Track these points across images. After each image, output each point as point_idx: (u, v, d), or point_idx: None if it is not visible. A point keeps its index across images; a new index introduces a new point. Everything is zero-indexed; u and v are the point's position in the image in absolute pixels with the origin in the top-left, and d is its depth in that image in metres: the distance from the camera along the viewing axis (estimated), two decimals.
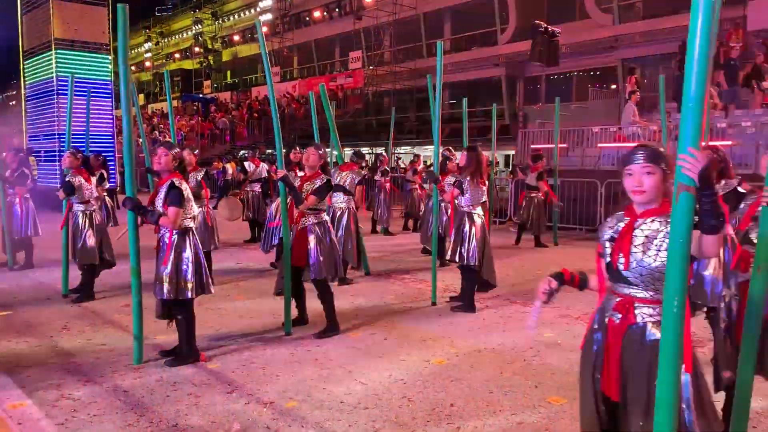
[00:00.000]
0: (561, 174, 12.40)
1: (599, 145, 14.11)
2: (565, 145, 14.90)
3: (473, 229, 6.19)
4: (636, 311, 2.31)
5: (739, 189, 3.67)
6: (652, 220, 2.32)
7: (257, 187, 10.72)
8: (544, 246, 11.10)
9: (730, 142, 11.61)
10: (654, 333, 2.26)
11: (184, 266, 4.51)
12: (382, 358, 4.83)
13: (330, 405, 3.91)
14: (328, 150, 8.24)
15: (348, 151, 12.32)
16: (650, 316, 2.29)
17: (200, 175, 6.91)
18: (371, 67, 31.16)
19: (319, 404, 3.92)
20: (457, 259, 6.28)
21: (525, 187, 11.39)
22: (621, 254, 2.33)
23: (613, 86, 22.75)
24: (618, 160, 2.49)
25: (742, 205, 3.52)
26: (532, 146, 15.30)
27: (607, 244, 2.40)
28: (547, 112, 18.70)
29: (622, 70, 21.87)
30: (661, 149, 2.38)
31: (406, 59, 29.75)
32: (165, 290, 4.46)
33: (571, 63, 22.92)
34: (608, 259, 2.38)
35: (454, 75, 27.78)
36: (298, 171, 6.50)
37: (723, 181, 3.87)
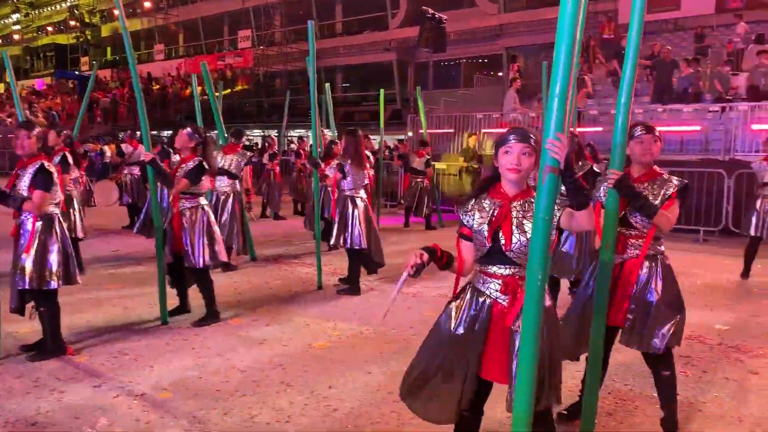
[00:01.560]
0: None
1: (483, 130, 14.62)
2: (451, 131, 15.32)
3: (356, 213, 6.23)
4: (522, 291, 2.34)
5: (595, 168, 3.94)
6: (523, 202, 2.44)
7: (136, 171, 10.19)
8: (433, 228, 11.39)
9: (600, 128, 12.39)
10: None
11: (50, 254, 4.22)
12: (263, 345, 4.77)
13: (205, 394, 3.81)
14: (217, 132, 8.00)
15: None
16: None
17: (58, 159, 6.40)
18: (261, 47, 30.43)
19: (193, 394, 3.81)
20: (341, 243, 6.30)
21: (411, 171, 11.59)
22: (502, 235, 2.40)
23: (500, 74, 23.61)
24: (495, 142, 2.56)
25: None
26: (419, 132, 15.58)
27: (484, 228, 2.45)
28: (436, 97, 19.12)
29: (507, 58, 22.74)
30: (532, 133, 2.48)
31: (298, 40, 29.30)
32: (27, 280, 4.15)
33: (459, 50, 23.53)
34: (488, 242, 2.43)
35: (347, 58, 27.76)
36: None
37: (580, 162, 4.17)
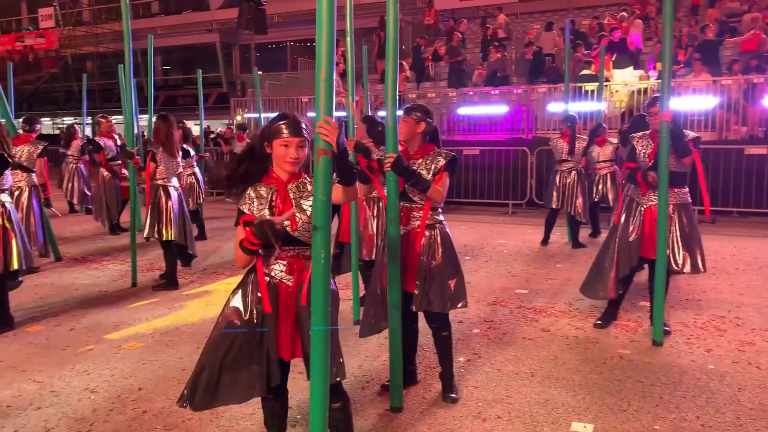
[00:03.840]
0: None
1: (308, 114, 14.63)
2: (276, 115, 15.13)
3: (169, 203, 5.94)
4: (309, 270, 2.42)
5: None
6: (298, 183, 2.56)
7: None
8: None
9: None
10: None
11: None
12: (65, 351, 4.41)
13: None
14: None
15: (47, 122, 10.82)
16: None
17: None
18: (68, 27, 27.80)
19: None
20: (156, 235, 5.98)
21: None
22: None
23: None
24: (266, 129, 2.58)
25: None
26: (246, 116, 15.27)
27: (266, 213, 2.50)
28: (261, 80, 18.73)
29: None
30: (303, 121, 2.55)
31: (110, 20, 27.17)
32: None
33: (285, 32, 23.25)
34: None
35: (165, 39, 26.21)
36: None
37: (382, 147, 4.32)
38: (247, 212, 2.54)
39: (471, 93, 13.61)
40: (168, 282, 6.08)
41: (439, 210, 3.53)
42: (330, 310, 2.22)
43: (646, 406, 3.48)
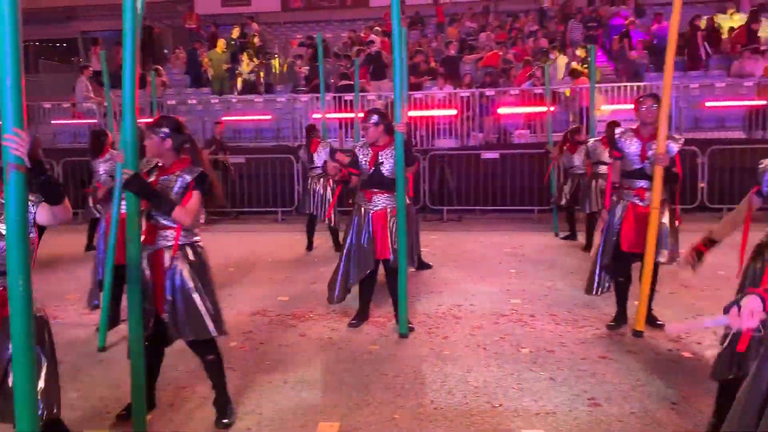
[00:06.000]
0: None
1: (53, 121, 13.26)
2: None
3: None
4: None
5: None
6: None
7: None
8: None
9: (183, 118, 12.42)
10: None
11: None
12: None
13: None
14: None
15: None
16: None
17: None
18: None
19: None
20: None
21: None
22: None
23: (73, 59, 21.66)
24: None
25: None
26: None
27: None
28: None
29: (82, 43, 21.00)
30: None
31: None
32: None
33: (25, 31, 20.70)
34: None
35: None
36: None
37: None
38: None
39: (234, 100, 13.44)
40: None
41: (196, 228, 3.37)
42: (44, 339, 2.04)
43: (389, 397, 3.73)
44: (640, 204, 4.73)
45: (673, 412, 3.47)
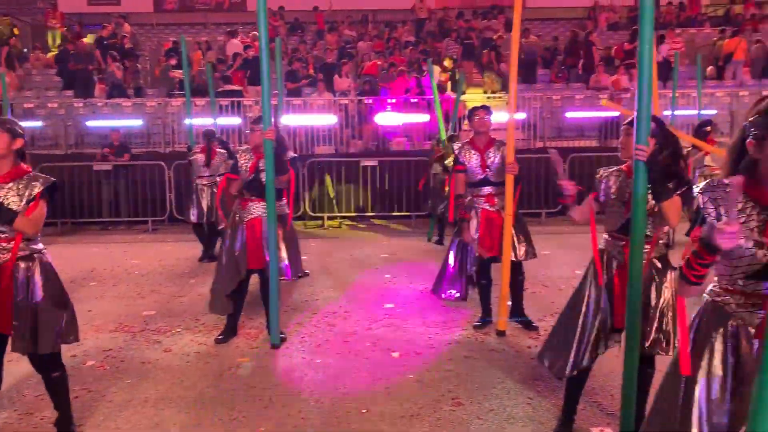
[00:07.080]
0: None
1: None
2: None
3: None
4: None
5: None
6: None
7: None
8: None
9: (39, 122, 11.59)
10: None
11: None
12: None
13: None
14: None
15: None
16: None
17: None
18: None
19: None
20: None
21: None
22: None
23: None
24: None
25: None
26: None
27: None
28: None
29: None
30: None
31: None
32: None
33: None
34: None
35: None
36: None
37: None
38: None
39: (100, 104, 12.68)
40: None
41: (37, 239, 3.14)
42: None
43: (255, 410, 3.65)
44: (492, 210, 4.96)
45: (528, 407, 3.66)
